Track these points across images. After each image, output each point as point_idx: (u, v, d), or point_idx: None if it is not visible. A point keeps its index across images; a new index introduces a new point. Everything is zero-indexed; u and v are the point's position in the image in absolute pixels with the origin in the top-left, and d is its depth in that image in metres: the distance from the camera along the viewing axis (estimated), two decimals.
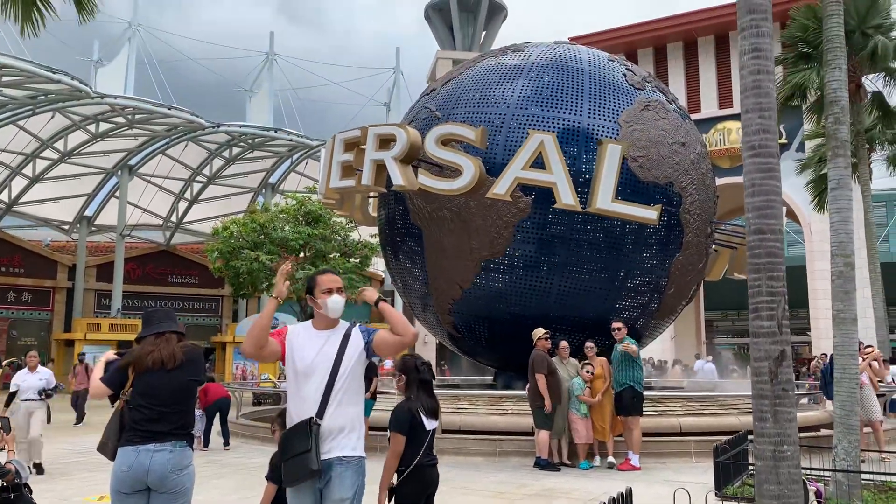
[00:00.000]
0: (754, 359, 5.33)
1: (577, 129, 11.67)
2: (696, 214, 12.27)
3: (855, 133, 17.33)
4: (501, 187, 11.04)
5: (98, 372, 4.18)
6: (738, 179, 30.55)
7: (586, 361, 10.53)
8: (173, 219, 41.13)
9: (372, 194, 13.98)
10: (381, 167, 11.41)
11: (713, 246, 14.05)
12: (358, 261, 29.76)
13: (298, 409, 3.67)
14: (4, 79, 28.63)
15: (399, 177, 11.16)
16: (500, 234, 11.71)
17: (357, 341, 3.81)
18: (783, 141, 33.29)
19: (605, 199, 10.96)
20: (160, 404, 3.91)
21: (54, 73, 28.52)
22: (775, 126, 5.67)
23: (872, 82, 16.96)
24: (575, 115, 11.79)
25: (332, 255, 28.95)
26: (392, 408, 4.68)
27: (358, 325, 3.93)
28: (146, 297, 39.32)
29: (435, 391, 4.79)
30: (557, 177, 10.88)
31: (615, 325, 10.64)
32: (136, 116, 34.05)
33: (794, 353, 40.14)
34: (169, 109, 33.68)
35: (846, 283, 8.64)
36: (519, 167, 11.01)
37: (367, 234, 32.94)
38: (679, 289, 12.74)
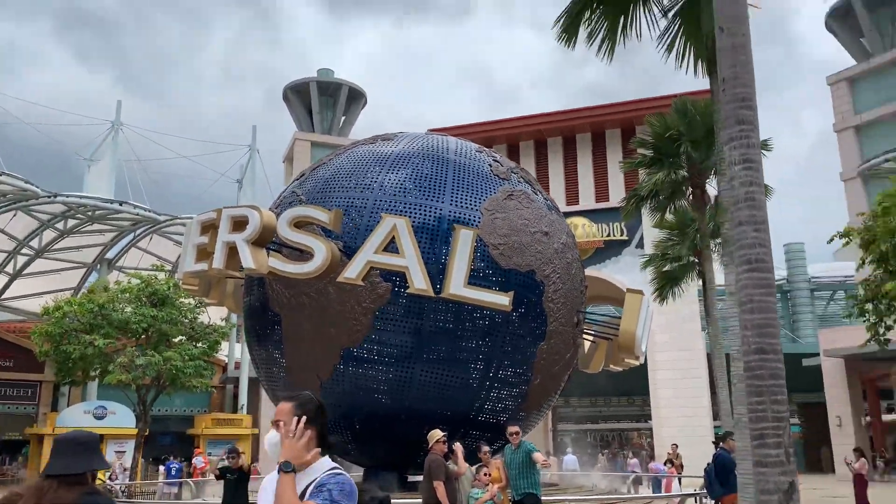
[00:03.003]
0: (762, 491, 4.95)
1: (440, 217, 11.63)
2: (561, 303, 12.34)
3: (700, 234, 18.67)
4: (353, 271, 10.79)
5: None
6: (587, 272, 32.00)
7: (481, 465, 10.09)
8: None
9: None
10: (233, 250, 10.95)
11: (592, 337, 14.21)
12: (206, 346, 27.94)
13: None
14: None
15: (250, 259, 10.70)
16: (359, 321, 11.29)
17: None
18: (625, 237, 35.57)
19: (457, 284, 10.90)
20: None
21: None
22: (769, 239, 5.58)
23: (713, 186, 18.40)
24: (438, 202, 11.78)
25: (177, 339, 27.06)
26: None
27: (330, 485, 2.71)
28: None
29: None
30: (410, 261, 10.77)
31: (511, 429, 10.38)
32: None
33: (625, 438, 41.70)
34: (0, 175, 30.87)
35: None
36: (371, 251, 10.84)
37: (217, 317, 31.19)
38: (545, 379, 12.64)
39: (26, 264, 37.27)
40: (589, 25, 11.58)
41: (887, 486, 29.55)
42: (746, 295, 5.33)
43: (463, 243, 11.01)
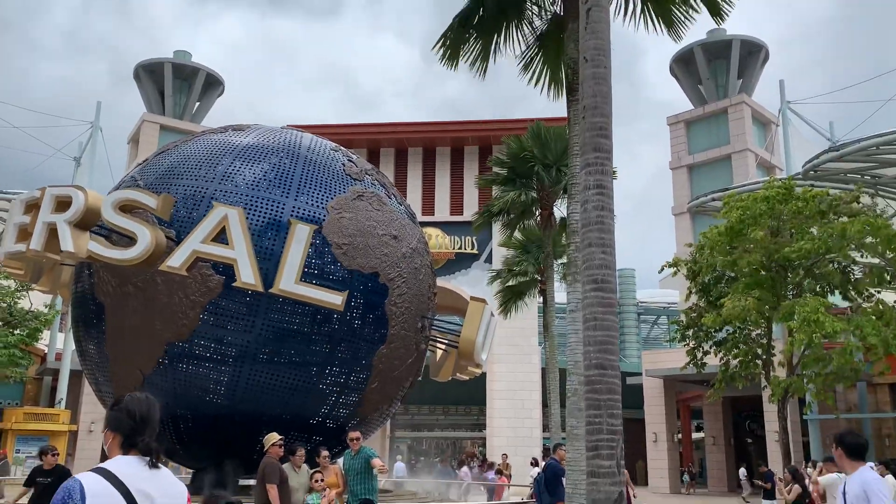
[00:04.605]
0: (593, 500, 5.00)
1: (283, 212, 11.37)
2: (405, 308, 12.28)
3: (545, 254, 19.55)
4: (176, 260, 10.39)
5: None
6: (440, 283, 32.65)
7: (317, 470, 9.89)
8: None
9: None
10: (54, 231, 10.32)
11: (444, 346, 14.28)
12: (24, 333, 25.64)
13: None
14: None
15: (69, 242, 10.13)
16: (186, 315, 10.81)
17: None
18: (475, 251, 36.50)
19: (288, 280, 10.70)
20: None
21: None
22: (615, 262, 5.74)
23: (559, 209, 19.35)
24: (283, 197, 11.52)
25: None
26: None
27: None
28: None
29: None
30: (239, 253, 10.49)
31: (352, 434, 10.23)
32: None
33: (460, 447, 42.81)
34: None
35: (580, 401, 9.06)
36: (198, 240, 10.50)
37: (39, 302, 28.77)
38: (384, 384, 12.48)
39: None
40: (466, 46, 11.92)
41: (693, 498, 32.17)
42: (591, 312, 5.55)
43: (298, 239, 10.84)
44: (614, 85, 6.48)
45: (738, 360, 20.93)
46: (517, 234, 21.47)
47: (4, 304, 25.18)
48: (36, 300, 27.92)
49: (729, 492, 34.68)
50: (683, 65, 43.50)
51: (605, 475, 5.20)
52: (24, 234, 10.74)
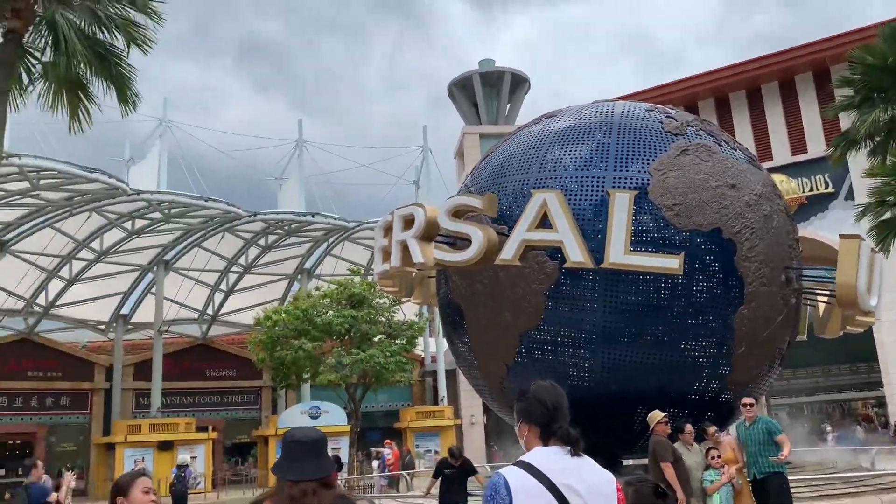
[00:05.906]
0: None
1: (604, 186, 10.99)
2: (760, 261, 11.06)
3: None
4: (507, 252, 10.62)
5: None
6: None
7: (711, 446, 9.32)
8: (209, 311, 40.80)
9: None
10: (406, 247, 11.33)
11: (826, 299, 12.80)
12: (404, 341, 28.96)
13: None
14: (42, 182, 29.03)
15: (418, 254, 11.03)
16: (531, 304, 11.05)
17: None
18: (830, 190, 32.24)
19: (617, 252, 10.26)
20: None
21: (91, 172, 28.88)
22: None
23: None
24: (603, 171, 11.19)
25: (377, 338, 28.22)
26: None
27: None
28: (184, 394, 38.71)
29: None
30: (563, 234, 10.36)
31: (746, 400, 9.51)
32: (173, 210, 34.25)
33: (849, 410, 38.12)
34: (206, 201, 33.84)
35: None
36: (524, 229, 10.61)
37: (410, 313, 32.22)
38: (752, 347, 11.32)
39: (237, 281, 40.64)
40: None
41: None
42: None
43: (619, 209, 10.41)
44: None
45: None
46: (888, 158, 18.28)
47: (384, 319, 28.55)
48: (407, 311, 31.24)
49: None
50: None
51: None
52: (386, 254, 12.00)
